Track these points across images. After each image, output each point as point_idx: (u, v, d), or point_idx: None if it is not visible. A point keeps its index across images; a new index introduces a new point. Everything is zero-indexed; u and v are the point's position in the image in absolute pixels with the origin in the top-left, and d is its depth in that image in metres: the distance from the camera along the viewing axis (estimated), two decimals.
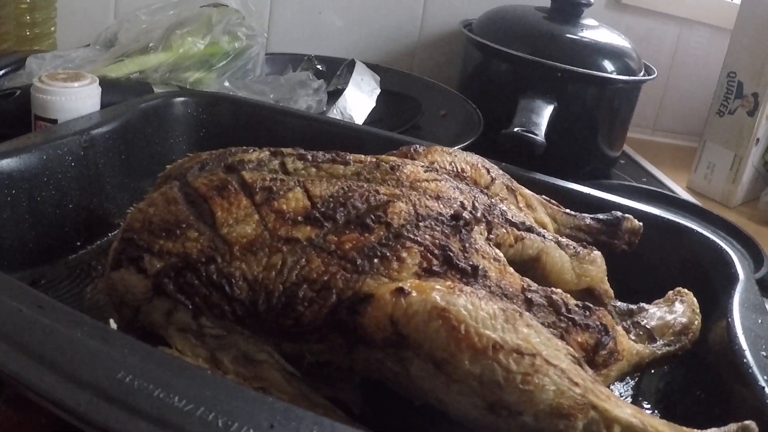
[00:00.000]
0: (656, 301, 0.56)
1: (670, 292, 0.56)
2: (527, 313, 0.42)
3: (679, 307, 0.54)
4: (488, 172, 0.58)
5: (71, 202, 0.59)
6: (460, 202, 0.50)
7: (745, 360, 0.45)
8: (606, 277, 0.56)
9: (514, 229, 0.51)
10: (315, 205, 0.45)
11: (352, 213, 0.45)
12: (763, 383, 0.43)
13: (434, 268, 0.43)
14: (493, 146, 0.79)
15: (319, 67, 1.08)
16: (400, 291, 0.40)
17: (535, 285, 0.46)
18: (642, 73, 1.05)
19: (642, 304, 0.55)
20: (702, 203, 1.03)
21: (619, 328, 0.48)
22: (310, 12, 1.20)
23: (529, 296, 0.44)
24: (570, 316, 0.44)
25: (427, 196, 0.48)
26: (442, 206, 0.48)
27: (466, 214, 0.48)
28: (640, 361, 0.49)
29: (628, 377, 0.53)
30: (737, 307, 0.51)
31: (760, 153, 1.09)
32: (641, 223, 0.60)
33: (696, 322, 0.53)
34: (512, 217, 0.52)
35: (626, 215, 0.60)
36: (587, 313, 0.45)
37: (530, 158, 0.79)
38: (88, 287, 0.56)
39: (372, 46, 1.23)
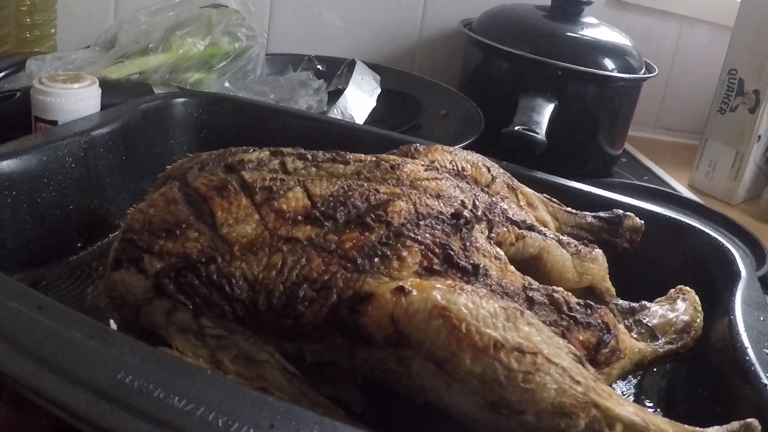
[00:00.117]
0: (658, 299, 0.56)
1: (672, 290, 0.56)
2: (528, 312, 0.42)
3: (681, 304, 0.54)
4: (489, 170, 0.58)
5: (72, 204, 0.59)
6: (461, 200, 0.49)
7: (747, 358, 0.45)
8: (607, 276, 0.56)
9: (515, 227, 0.51)
10: (315, 205, 0.45)
11: (352, 212, 0.45)
12: (765, 381, 0.43)
13: (435, 266, 0.43)
14: (494, 145, 0.79)
15: (319, 67, 1.08)
16: (401, 290, 0.39)
17: (537, 283, 0.46)
18: (643, 71, 1.05)
19: (644, 302, 0.55)
20: (703, 201, 1.03)
21: (621, 326, 0.48)
22: (310, 12, 1.20)
23: (530, 295, 0.44)
24: (571, 314, 0.44)
25: (428, 195, 0.48)
26: (442, 205, 0.48)
27: (466, 213, 0.47)
28: (642, 359, 0.49)
29: (630, 375, 0.53)
30: (739, 304, 0.50)
31: (762, 150, 1.08)
32: (643, 221, 0.60)
33: (698, 320, 0.52)
34: (513, 215, 0.52)
35: (628, 213, 0.60)
36: (589, 311, 0.45)
37: (531, 157, 0.79)
38: (89, 288, 0.56)
39: (372, 45, 1.23)
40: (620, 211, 0.60)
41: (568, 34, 1.02)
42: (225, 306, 0.41)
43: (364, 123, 0.93)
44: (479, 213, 0.49)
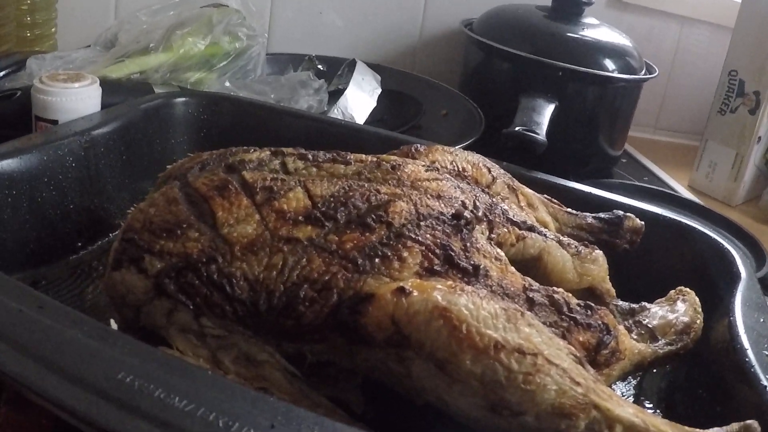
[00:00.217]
0: (658, 300, 0.56)
1: (672, 291, 0.56)
2: (529, 313, 0.42)
3: (680, 306, 0.54)
4: (489, 171, 0.58)
5: (72, 203, 0.59)
6: (462, 201, 0.49)
7: (747, 359, 0.45)
8: (608, 277, 0.56)
9: (516, 228, 0.51)
10: (316, 205, 0.45)
11: (353, 212, 0.45)
12: (765, 382, 0.43)
13: (435, 267, 0.43)
14: (495, 145, 0.79)
15: (319, 67, 1.08)
16: (402, 291, 0.39)
17: (537, 284, 0.46)
18: (643, 72, 1.05)
19: (644, 303, 0.55)
20: (703, 202, 1.03)
21: (621, 327, 0.48)
22: (310, 12, 1.20)
23: (530, 296, 0.44)
24: (572, 315, 0.44)
25: (428, 196, 0.48)
26: (443, 205, 0.48)
27: (467, 214, 0.47)
28: (641, 360, 0.49)
29: (629, 377, 0.53)
30: (739, 305, 0.50)
31: (762, 151, 1.08)
32: (643, 222, 0.60)
33: (698, 321, 0.52)
34: (513, 216, 0.52)
35: (628, 214, 0.60)
36: (589, 312, 0.45)
37: (531, 157, 0.79)
38: (89, 288, 0.56)
39: (373, 45, 1.23)
40: (620, 212, 0.60)
41: (569, 34, 1.02)
42: (225, 306, 0.41)
43: (365, 123, 0.93)
44: (480, 214, 0.49)
